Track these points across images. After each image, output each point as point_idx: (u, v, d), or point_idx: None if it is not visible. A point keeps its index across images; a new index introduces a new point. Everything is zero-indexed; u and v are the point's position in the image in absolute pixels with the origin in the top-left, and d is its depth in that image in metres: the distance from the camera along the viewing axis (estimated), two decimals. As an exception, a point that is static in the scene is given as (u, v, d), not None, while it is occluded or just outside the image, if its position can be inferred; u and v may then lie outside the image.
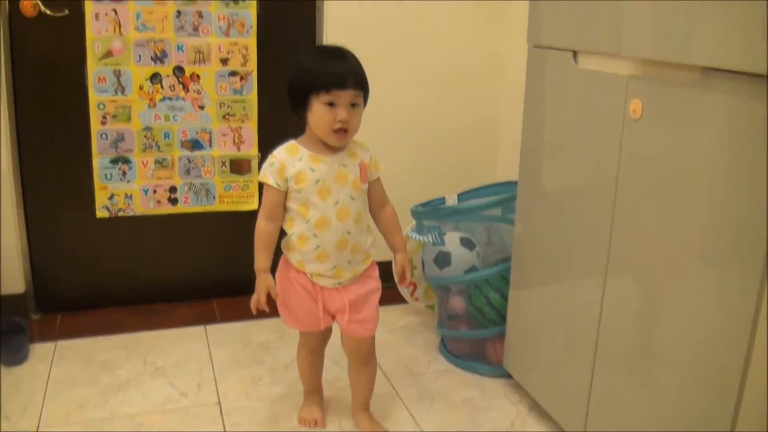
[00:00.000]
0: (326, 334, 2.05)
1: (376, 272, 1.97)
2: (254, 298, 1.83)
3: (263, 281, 1.83)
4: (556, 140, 1.97)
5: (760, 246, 1.31)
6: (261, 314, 2.67)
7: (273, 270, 1.89)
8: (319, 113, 1.75)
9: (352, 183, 1.83)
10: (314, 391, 2.12)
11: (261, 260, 1.85)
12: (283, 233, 1.87)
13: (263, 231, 1.84)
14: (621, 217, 1.69)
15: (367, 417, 2.07)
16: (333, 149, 1.82)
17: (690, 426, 1.52)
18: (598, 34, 1.74)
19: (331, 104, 1.74)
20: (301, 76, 1.78)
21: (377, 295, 1.96)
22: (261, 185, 1.85)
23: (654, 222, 1.58)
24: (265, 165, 1.82)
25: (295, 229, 1.84)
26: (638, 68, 1.62)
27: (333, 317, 1.95)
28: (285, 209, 1.85)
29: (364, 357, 2.00)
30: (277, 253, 1.90)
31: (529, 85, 2.07)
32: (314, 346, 2.05)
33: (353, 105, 1.76)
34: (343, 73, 1.74)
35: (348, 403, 2.12)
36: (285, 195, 1.82)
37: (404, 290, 2.74)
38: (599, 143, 1.75)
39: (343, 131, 1.76)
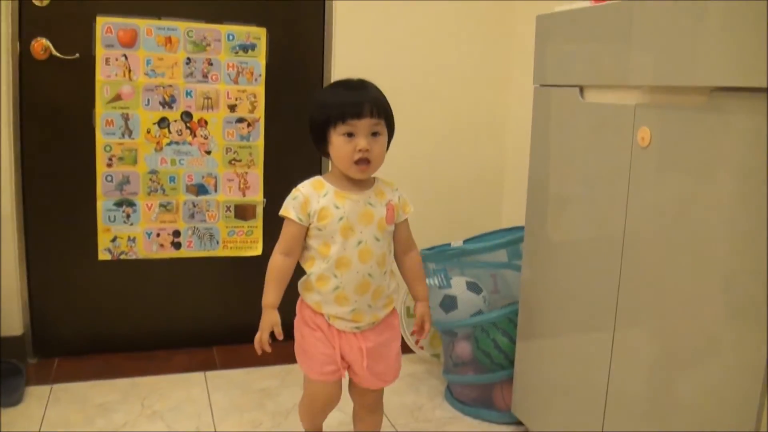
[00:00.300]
0: (335, 392, 1.85)
1: (397, 320, 1.88)
2: (258, 336, 1.73)
3: (269, 317, 1.73)
4: (564, 178, 1.96)
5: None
6: (263, 361, 2.64)
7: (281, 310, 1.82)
8: (338, 145, 1.69)
9: (378, 223, 1.74)
10: None
11: (270, 295, 1.75)
12: (300, 273, 1.79)
13: (278, 265, 1.75)
14: (630, 252, 1.66)
15: None
16: (360, 186, 1.75)
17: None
18: (604, 66, 1.76)
19: (349, 135, 1.67)
20: (318, 110, 1.73)
21: (397, 344, 1.87)
22: (281, 219, 1.77)
23: (665, 256, 1.56)
24: (289, 198, 1.74)
25: (314, 268, 1.74)
26: (645, 97, 1.63)
27: (347, 367, 1.82)
28: (305, 247, 1.76)
29: (372, 406, 1.92)
30: (293, 295, 1.84)
31: (535, 124, 2.07)
32: (317, 409, 1.90)
33: (374, 134, 1.70)
34: (359, 102, 1.67)
35: None
36: (305, 231, 1.74)
37: (409, 339, 2.69)
38: (608, 175, 1.74)
39: (365, 162, 1.69)
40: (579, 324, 1.89)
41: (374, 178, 1.80)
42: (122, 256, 2.68)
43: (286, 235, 1.75)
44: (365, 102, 1.68)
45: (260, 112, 2.73)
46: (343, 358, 1.79)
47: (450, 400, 2.44)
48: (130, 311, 2.79)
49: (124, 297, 2.78)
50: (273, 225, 2.77)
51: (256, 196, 2.77)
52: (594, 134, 1.81)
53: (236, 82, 2.69)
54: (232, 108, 2.70)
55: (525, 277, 2.15)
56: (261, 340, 1.72)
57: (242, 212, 2.77)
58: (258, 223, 2.78)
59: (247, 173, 2.75)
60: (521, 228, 2.18)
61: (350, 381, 1.87)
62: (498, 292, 2.45)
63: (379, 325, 1.81)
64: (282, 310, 1.75)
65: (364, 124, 1.67)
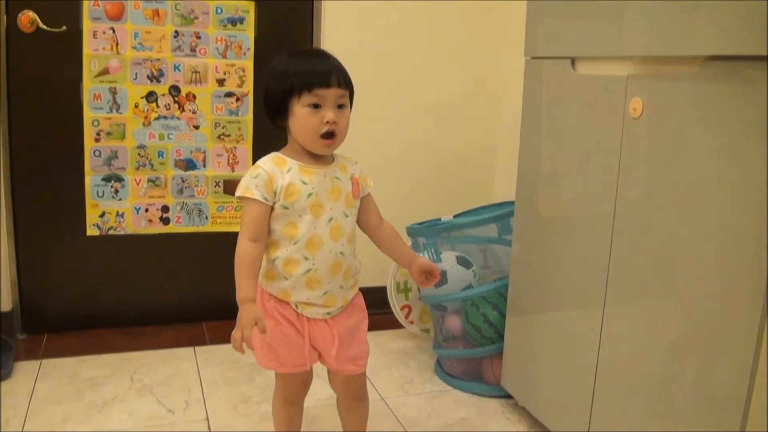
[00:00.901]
0: (308, 379, 1.79)
1: (362, 300, 1.75)
2: (236, 334, 1.47)
3: (249, 313, 1.49)
4: (556, 151, 1.96)
5: (762, 256, 1.29)
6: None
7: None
8: (302, 117, 1.54)
9: (345, 198, 1.62)
10: None
11: (246, 287, 1.53)
12: None
13: (247, 253, 1.54)
14: (621, 226, 1.67)
15: None
16: (322, 161, 1.61)
17: None
18: (596, 37, 1.75)
19: (315, 106, 1.53)
20: (279, 80, 1.57)
21: (365, 325, 1.75)
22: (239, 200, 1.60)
23: (655, 227, 1.56)
24: (247, 177, 1.56)
25: (279, 252, 1.58)
26: (637, 67, 1.62)
27: (317, 356, 1.71)
28: (270, 237, 1.61)
29: (356, 394, 1.80)
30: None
31: (526, 97, 2.06)
32: (294, 395, 1.79)
33: (340, 106, 1.57)
34: (327, 71, 1.55)
35: None
36: (270, 212, 1.57)
37: (399, 314, 2.69)
38: (599, 146, 1.73)
39: (331, 135, 1.56)
40: (569, 298, 1.90)
41: (333, 153, 1.67)
42: (111, 232, 2.66)
43: (250, 218, 1.55)
44: (332, 71, 1.56)
45: (249, 87, 2.71)
46: (313, 347, 1.68)
47: (440, 374, 2.45)
48: (119, 287, 2.78)
49: (113, 273, 2.76)
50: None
51: (245, 171, 2.75)
52: (586, 106, 1.81)
53: (225, 56, 2.67)
54: (221, 82, 2.68)
55: (515, 251, 2.15)
56: (245, 338, 1.46)
57: (231, 187, 2.76)
58: (247, 198, 2.77)
59: (236, 148, 2.74)
60: (512, 203, 2.18)
61: (329, 372, 1.77)
62: (488, 266, 2.45)
63: (347, 308, 1.69)
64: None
65: (331, 94, 1.54)
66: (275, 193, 1.54)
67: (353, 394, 1.79)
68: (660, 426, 1.56)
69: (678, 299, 1.51)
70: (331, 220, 1.59)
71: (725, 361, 1.39)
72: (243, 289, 1.52)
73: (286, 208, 1.55)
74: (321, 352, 1.70)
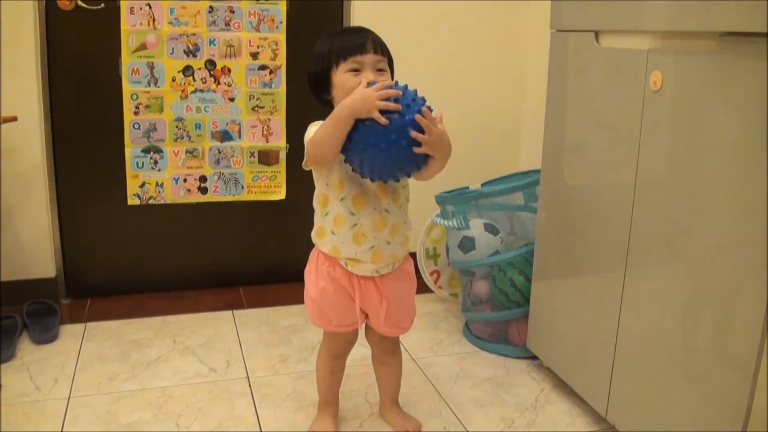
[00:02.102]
0: (353, 338, 1.90)
1: (412, 267, 1.84)
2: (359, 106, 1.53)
3: (351, 99, 1.55)
4: (580, 122, 2.02)
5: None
6: (288, 300, 2.76)
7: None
8: (343, 81, 1.63)
9: None
10: (331, 401, 1.98)
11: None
12: (310, 226, 1.75)
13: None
14: (642, 195, 1.74)
15: (398, 413, 2.00)
16: None
17: (708, 401, 1.56)
18: (619, 11, 1.80)
19: (354, 71, 1.62)
20: (318, 58, 1.67)
21: (413, 291, 1.86)
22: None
23: (674, 196, 1.63)
24: (311, 129, 1.66)
25: (329, 208, 1.69)
26: (658, 41, 1.68)
27: (365, 317, 1.83)
28: (318, 185, 1.72)
29: (390, 348, 1.92)
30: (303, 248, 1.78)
31: (552, 69, 2.13)
32: (339, 350, 1.91)
33: (379, 71, 1.65)
34: (362, 40, 1.64)
35: (364, 417, 2.05)
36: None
37: (428, 279, 2.78)
38: (621, 118, 1.80)
39: None
40: (591, 264, 1.97)
41: None
42: (150, 201, 2.77)
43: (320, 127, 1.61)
44: (368, 39, 1.65)
45: (282, 59, 2.78)
46: (362, 309, 1.79)
47: (468, 337, 2.54)
48: (159, 254, 2.90)
49: (153, 240, 2.88)
50: (296, 170, 2.86)
51: (279, 141, 2.84)
52: (608, 79, 1.87)
53: (258, 30, 2.74)
54: (254, 56, 2.76)
55: (541, 218, 2.23)
56: (375, 106, 1.50)
57: (266, 158, 2.85)
58: (281, 168, 2.86)
59: (269, 120, 2.82)
60: (538, 171, 2.25)
61: (366, 326, 1.89)
62: (515, 233, 2.52)
63: (396, 271, 1.77)
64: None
65: (369, 60, 1.63)
66: None
67: (386, 348, 1.92)
68: (678, 384, 1.65)
69: (694, 264, 1.58)
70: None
71: (739, 321, 1.47)
72: (336, 111, 1.56)
73: (338, 163, 1.65)
74: (369, 314, 1.81)
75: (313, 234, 1.77)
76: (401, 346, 1.98)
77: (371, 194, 1.68)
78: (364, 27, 1.71)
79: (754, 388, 1.44)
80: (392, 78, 1.70)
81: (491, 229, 2.44)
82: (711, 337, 1.55)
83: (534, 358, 2.33)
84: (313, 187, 1.75)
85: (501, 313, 2.40)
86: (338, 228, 1.69)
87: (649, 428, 1.76)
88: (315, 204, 1.75)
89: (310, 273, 1.80)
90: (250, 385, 2.19)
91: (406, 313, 1.84)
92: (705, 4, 1.49)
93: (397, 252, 1.75)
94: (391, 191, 1.70)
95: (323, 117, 1.61)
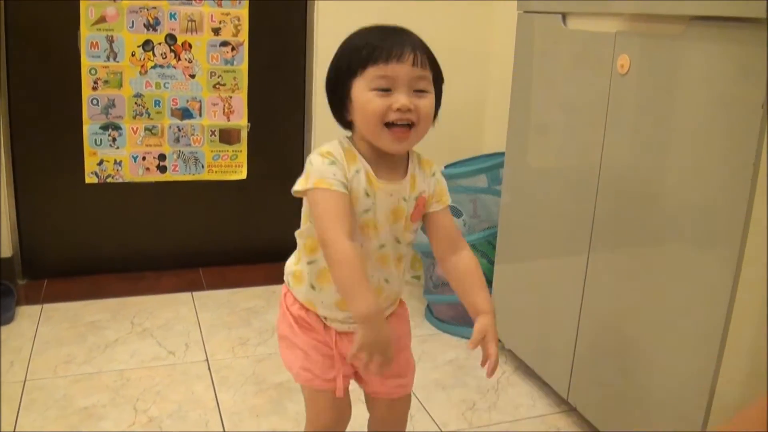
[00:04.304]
0: (343, 413, 1.45)
1: (407, 312, 1.48)
2: (377, 362, 1.17)
3: (385, 327, 1.18)
4: (545, 105, 2.01)
5: (742, 208, 1.36)
6: (248, 282, 2.72)
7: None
8: (364, 102, 1.21)
9: (405, 221, 1.31)
10: None
11: (365, 297, 1.16)
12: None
13: (350, 255, 1.17)
14: (607, 178, 1.74)
15: None
16: (396, 168, 1.30)
17: (670, 383, 1.56)
18: (588, -7, 1.79)
19: (383, 90, 1.21)
20: (339, 58, 1.27)
21: (409, 340, 1.48)
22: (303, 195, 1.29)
23: (639, 179, 1.63)
24: (320, 164, 1.23)
25: (317, 256, 1.30)
26: (626, 25, 1.67)
27: (353, 373, 1.42)
28: (311, 229, 1.29)
29: (398, 420, 1.51)
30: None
31: (518, 50, 2.11)
32: (324, 426, 1.43)
33: (419, 92, 1.23)
34: (399, 45, 1.21)
35: None
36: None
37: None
38: (588, 100, 1.79)
39: (404, 128, 1.22)
40: (555, 248, 1.97)
41: (411, 152, 1.34)
42: (109, 180, 2.71)
43: (335, 212, 1.20)
44: (406, 45, 1.22)
45: (244, 36, 2.73)
46: (346, 369, 1.38)
47: (430, 319, 2.53)
48: (118, 234, 2.84)
49: (112, 220, 2.82)
50: (257, 149, 2.82)
51: (241, 120, 2.80)
52: (575, 62, 1.86)
53: (220, 5, 2.68)
54: (216, 31, 2.70)
55: (504, 201, 2.22)
56: (387, 361, 1.17)
57: (227, 136, 2.80)
58: (242, 147, 2.81)
59: (231, 97, 2.77)
60: (502, 154, 2.23)
61: (366, 396, 1.51)
62: (478, 216, 2.52)
63: (389, 318, 1.39)
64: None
65: (404, 72, 1.21)
66: (348, 181, 1.24)
67: (395, 421, 1.52)
68: (640, 367, 1.66)
69: (657, 248, 1.59)
70: (382, 247, 1.30)
71: (703, 304, 1.47)
72: (361, 299, 1.16)
73: None
74: (356, 372, 1.42)
75: (287, 272, 1.41)
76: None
77: (373, 260, 1.31)
78: (406, 28, 1.28)
79: (717, 370, 1.44)
80: (437, 101, 1.28)
81: (454, 211, 2.43)
82: (674, 319, 1.55)
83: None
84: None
85: (464, 295, 2.39)
86: (322, 285, 1.33)
87: (611, 410, 1.77)
88: (299, 241, 1.37)
89: (283, 319, 1.42)
90: (209, 368, 2.16)
91: (404, 362, 1.45)
92: (673, -12, 1.49)
93: (387, 312, 1.39)
94: (395, 258, 1.34)
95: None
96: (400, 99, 1.20)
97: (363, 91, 1.21)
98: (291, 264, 1.40)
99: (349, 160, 1.25)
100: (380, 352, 1.15)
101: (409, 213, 1.31)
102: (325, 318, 1.36)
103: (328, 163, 1.23)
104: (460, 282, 1.35)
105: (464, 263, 1.35)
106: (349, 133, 1.32)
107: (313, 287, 1.34)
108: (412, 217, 1.32)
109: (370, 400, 1.50)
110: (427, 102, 1.23)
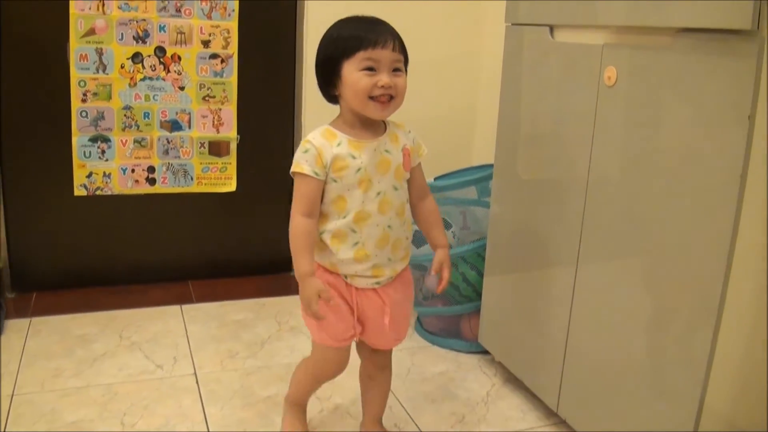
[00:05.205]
0: (344, 362, 1.75)
1: (410, 275, 1.75)
2: (305, 311, 1.59)
3: (311, 287, 1.55)
4: (534, 116, 2.01)
5: (729, 220, 1.36)
6: (237, 294, 2.71)
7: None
8: (354, 81, 1.51)
9: (395, 171, 1.60)
10: (304, 405, 1.91)
11: (303, 262, 1.55)
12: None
13: (303, 229, 1.55)
14: (595, 190, 1.74)
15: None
16: (373, 132, 1.60)
17: (660, 397, 1.56)
18: (575, 6, 1.80)
19: (369, 69, 1.51)
20: (329, 45, 1.56)
21: (411, 303, 1.78)
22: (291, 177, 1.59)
23: (627, 191, 1.63)
24: (299, 153, 1.55)
25: (328, 225, 1.59)
26: (613, 37, 1.67)
27: (361, 330, 1.69)
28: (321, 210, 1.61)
29: (382, 362, 1.81)
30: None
31: (506, 62, 2.11)
32: (328, 375, 1.78)
33: (396, 70, 1.54)
34: (382, 33, 1.52)
35: (335, 420, 2.00)
36: (323, 186, 1.56)
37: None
38: (575, 112, 1.79)
39: (386, 99, 1.53)
40: (544, 259, 1.97)
41: (386, 121, 1.65)
42: (98, 192, 2.70)
43: (303, 194, 1.56)
44: (388, 33, 1.53)
45: (234, 48, 2.73)
46: (360, 320, 1.68)
47: (420, 331, 2.53)
48: (107, 246, 2.83)
49: (101, 232, 2.81)
50: (246, 161, 2.82)
51: (230, 132, 2.79)
52: (563, 74, 1.86)
53: (209, 18, 2.68)
54: (206, 44, 2.70)
55: (494, 213, 2.22)
56: (313, 312, 1.56)
57: (216, 148, 2.80)
58: (232, 159, 2.81)
59: (220, 110, 2.77)
60: (491, 166, 2.24)
61: (359, 340, 1.74)
62: (467, 227, 2.52)
63: (395, 281, 1.68)
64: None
65: (386, 56, 1.51)
66: (325, 167, 1.54)
67: (379, 362, 1.80)
68: (629, 379, 1.65)
69: (646, 260, 1.59)
70: (379, 194, 1.57)
71: (691, 317, 1.47)
72: (301, 264, 1.55)
73: (335, 181, 1.55)
74: (370, 322, 1.68)
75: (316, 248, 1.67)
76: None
77: (375, 211, 1.58)
78: (381, 19, 1.58)
79: (706, 384, 1.44)
80: (405, 76, 1.59)
81: (444, 223, 2.42)
82: (663, 332, 1.55)
83: (486, 353, 2.32)
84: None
85: (453, 307, 2.39)
86: (338, 246, 1.60)
87: (600, 423, 1.76)
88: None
89: None
90: (197, 382, 2.15)
91: (405, 322, 1.75)
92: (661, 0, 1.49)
93: (398, 266, 1.67)
94: (396, 205, 1.62)
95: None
96: (383, 78, 1.51)
97: (353, 72, 1.51)
98: (319, 237, 1.64)
99: (329, 138, 1.57)
100: (308, 303, 1.55)
101: (399, 162, 1.61)
102: (346, 276, 1.63)
103: (302, 150, 1.55)
104: (424, 221, 1.75)
105: (428, 207, 1.75)
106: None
107: (332, 251, 1.60)
108: (404, 166, 1.62)
109: (364, 349, 1.80)
110: (402, 80, 1.56)
